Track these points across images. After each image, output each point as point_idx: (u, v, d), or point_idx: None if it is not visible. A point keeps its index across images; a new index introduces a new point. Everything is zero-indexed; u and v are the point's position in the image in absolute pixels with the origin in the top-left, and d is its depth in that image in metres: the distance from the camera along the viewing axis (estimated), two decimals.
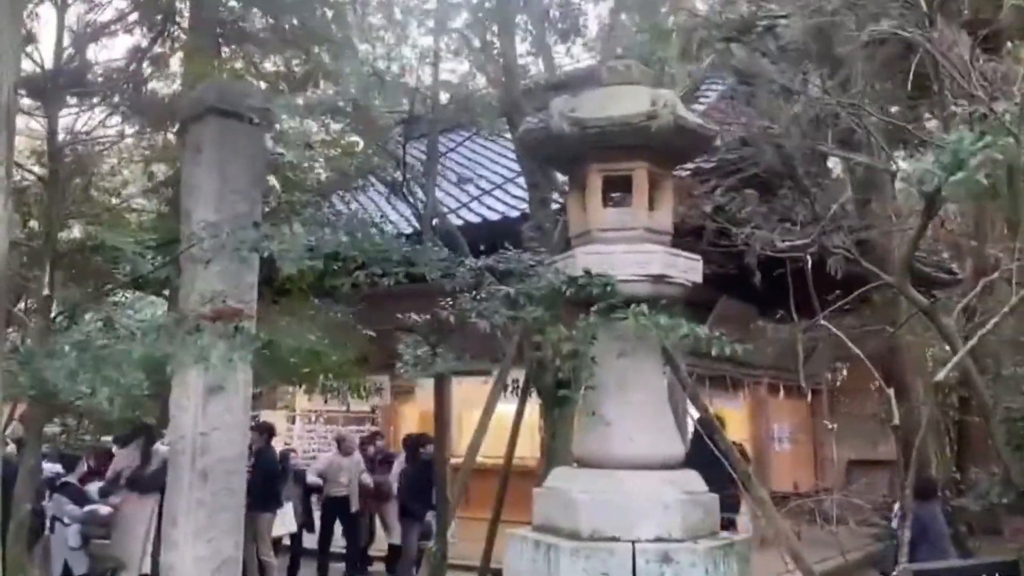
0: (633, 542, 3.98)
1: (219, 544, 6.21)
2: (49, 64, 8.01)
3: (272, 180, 9.37)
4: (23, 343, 6.44)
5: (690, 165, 8.41)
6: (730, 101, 8.57)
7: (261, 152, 6.76)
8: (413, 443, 9.79)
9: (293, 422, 16.99)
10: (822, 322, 6.13)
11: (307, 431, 17.39)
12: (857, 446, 14.71)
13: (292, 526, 9.33)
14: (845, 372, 14.71)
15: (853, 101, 5.80)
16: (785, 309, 7.53)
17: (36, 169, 9.32)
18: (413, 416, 16.07)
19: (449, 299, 6.36)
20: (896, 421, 5.21)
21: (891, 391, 5.25)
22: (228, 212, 6.27)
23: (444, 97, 7.02)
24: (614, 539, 4.01)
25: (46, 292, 6.45)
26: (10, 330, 4.51)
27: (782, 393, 13.74)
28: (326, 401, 13.71)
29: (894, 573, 4.91)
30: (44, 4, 8.27)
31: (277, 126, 6.46)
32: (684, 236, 4.86)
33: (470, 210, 10.55)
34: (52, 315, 6.78)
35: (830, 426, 13.97)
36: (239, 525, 6.46)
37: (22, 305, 9.02)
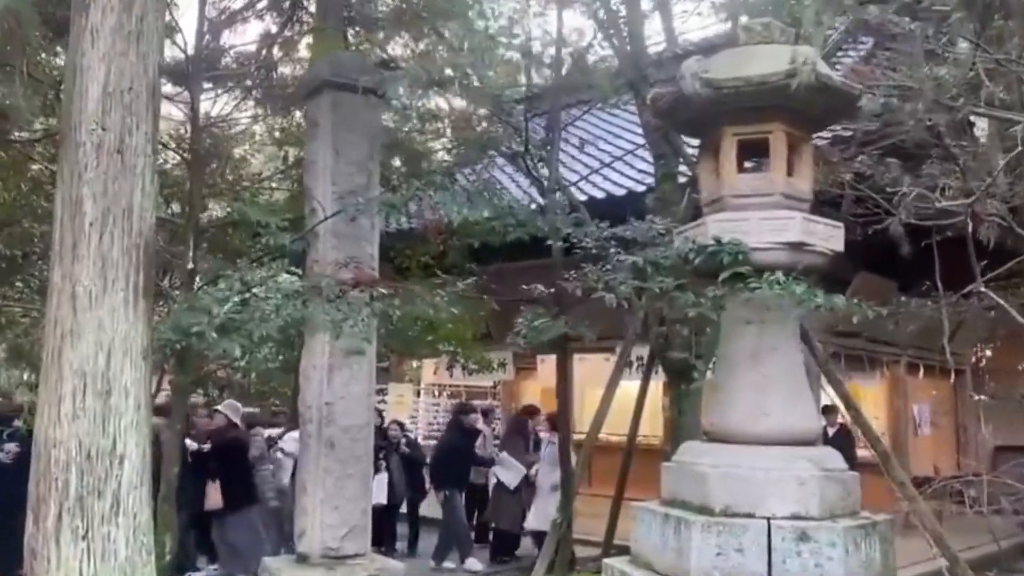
0: (768, 519, 3.85)
1: (346, 511, 6.38)
2: (191, 50, 8.38)
3: (395, 158, 9.58)
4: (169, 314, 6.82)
5: (827, 132, 8.03)
6: (869, 64, 8.11)
7: (377, 125, 6.84)
8: (456, 411, 9.73)
9: (418, 395, 17.44)
10: (980, 292, 5.70)
11: (432, 404, 17.82)
12: (1005, 430, 13.80)
13: (379, 497, 9.20)
14: (992, 351, 13.81)
15: (1011, 57, 5.36)
16: (927, 284, 7.09)
17: (177, 152, 9.82)
18: (534, 391, 16.15)
19: (573, 272, 6.33)
20: None
21: None
22: (345, 184, 6.39)
23: (567, 68, 6.94)
24: (748, 515, 3.88)
25: (190, 266, 6.77)
26: (156, 304, 4.79)
27: (922, 372, 13.03)
28: (452, 375, 14.00)
29: None
30: None
31: (398, 102, 6.53)
32: (821, 206, 4.60)
33: (593, 184, 10.43)
34: (195, 288, 7.13)
35: (977, 408, 13.17)
36: (366, 493, 6.63)
37: (168, 280, 9.56)
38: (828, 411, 9.31)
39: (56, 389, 3.88)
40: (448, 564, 9.36)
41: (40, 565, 3.71)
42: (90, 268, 3.94)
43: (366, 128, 6.62)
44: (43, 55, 8.22)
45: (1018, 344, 11.83)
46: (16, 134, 7.86)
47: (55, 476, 3.77)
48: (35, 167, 9.28)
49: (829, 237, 4.21)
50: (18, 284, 9.46)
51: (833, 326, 9.50)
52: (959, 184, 6.48)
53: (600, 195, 10.51)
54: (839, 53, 9.81)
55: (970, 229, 5.88)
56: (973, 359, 14.07)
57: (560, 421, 7.84)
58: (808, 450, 4.13)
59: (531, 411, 10.63)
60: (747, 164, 4.38)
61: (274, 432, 10.07)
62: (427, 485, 10.47)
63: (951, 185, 6.46)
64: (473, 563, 9.27)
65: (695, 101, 4.20)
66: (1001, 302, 5.45)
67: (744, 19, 4.60)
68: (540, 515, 8.99)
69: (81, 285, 3.92)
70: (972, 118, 7.76)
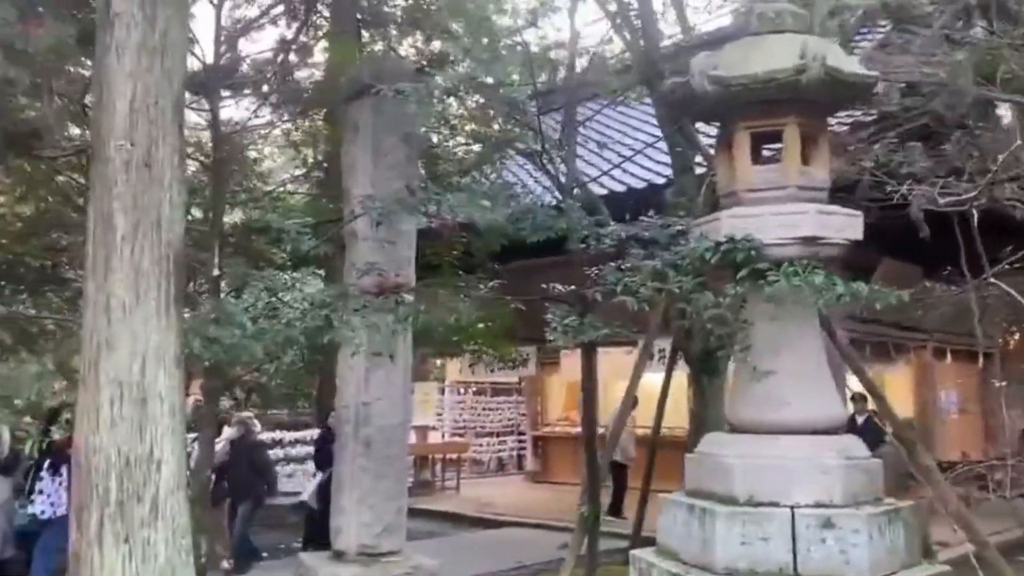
0: (792, 507, 3.89)
1: (381, 510, 6.50)
2: (209, 59, 8.50)
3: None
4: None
5: (848, 119, 7.99)
6: (887, 49, 8.08)
7: (414, 128, 6.94)
8: None
9: (443, 393, 17.53)
10: (995, 280, 5.69)
11: (457, 402, 17.92)
12: None
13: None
14: (1021, 334, 13.67)
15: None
16: (954, 268, 7.07)
17: (197, 159, 9.95)
18: (559, 386, 16.21)
19: (594, 269, 6.37)
20: None
21: None
22: (384, 188, 6.48)
23: (581, 64, 6.99)
24: (772, 504, 3.93)
25: (215, 272, 6.89)
26: (185, 310, 4.88)
27: (949, 358, 12.95)
28: (473, 372, 14.10)
29: None
30: (201, 2, 8.76)
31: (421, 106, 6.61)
32: (838, 192, 4.61)
33: (613, 179, 10.47)
34: (222, 295, 7.25)
35: (1004, 392, 13.05)
36: (401, 492, 6.74)
37: (195, 286, 9.69)
38: (857, 400, 9.29)
39: (94, 398, 4.00)
40: None
41: (84, 569, 3.82)
42: (123, 280, 4.05)
43: (404, 131, 6.71)
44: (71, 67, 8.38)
45: None
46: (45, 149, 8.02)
47: (96, 482, 3.89)
48: (62, 179, 9.46)
49: (846, 227, 4.22)
50: (49, 295, 9.64)
51: (857, 314, 9.48)
52: (980, 167, 6.45)
53: (621, 189, 10.55)
54: (857, 37, 9.79)
55: (988, 215, 5.86)
56: (1001, 343, 13.96)
57: (585, 416, 7.90)
58: (831, 439, 4.16)
59: None
60: (764, 154, 4.41)
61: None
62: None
63: (972, 169, 6.43)
64: None
65: (705, 98, 4.24)
66: (1010, 291, 5.43)
67: (759, 5, 4.55)
68: None
69: (115, 297, 4.03)
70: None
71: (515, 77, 6.61)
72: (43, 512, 7.39)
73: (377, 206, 5.41)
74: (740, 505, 3.98)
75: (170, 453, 4.04)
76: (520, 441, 17.93)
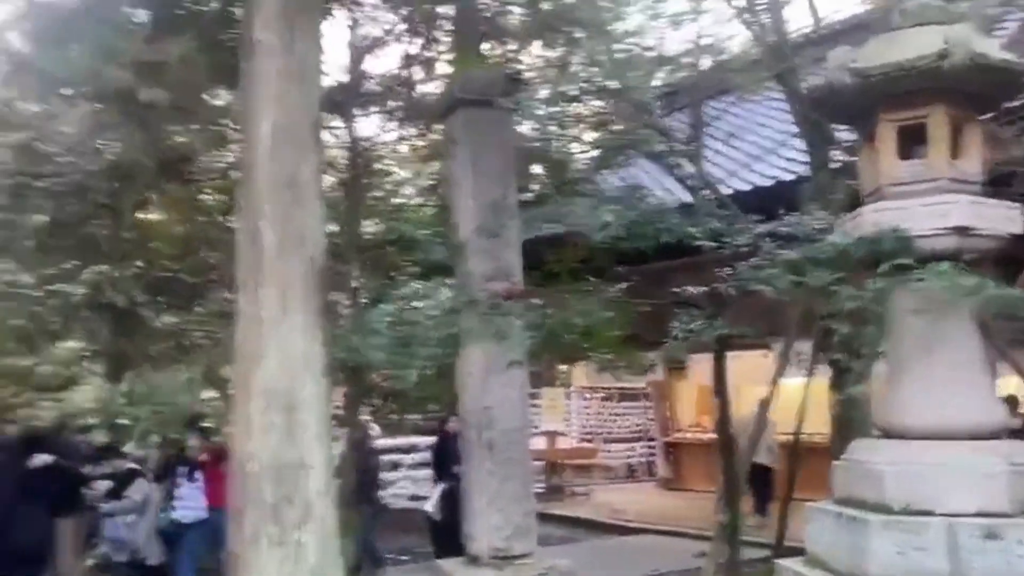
0: (951, 516, 3.70)
1: (509, 512, 6.56)
2: (342, 79, 8.81)
3: (537, 167, 9.73)
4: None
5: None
6: None
7: (510, 137, 7.00)
8: None
9: (569, 398, 17.53)
10: None
11: (583, 407, 17.89)
12: None
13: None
14: None
15: None
16: None
17: (332, 175, 10.33)
18: (689, 391, 15.94)
19: (725, 269, 6.23)
20: None
21: None
22: (483, 199, 6.57)
23: (707, 61, 6.87)
24: (928, 512, 3.75)
25: (353, 284, 7.13)
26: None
27: None
28: (599, 377, 14.05)
29: None
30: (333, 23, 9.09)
31: (535, 115, 6.65)
32: (988, 186, 4.37)
33: (740, 179, 10.22)
34: (361, 304, 7.50)
35: None
36: (527, 494, 6.79)
37: (335, 298, 10.06)
38: (1010, 402, 8.75)
39: (246, 406, 4.21)
40: None
41: (242, 569, 4.03)
42: (271, 294, 4.26)
43: (500, 142, 6.79)
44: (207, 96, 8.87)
45: None
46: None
47: (250, 487, 4.10)
48: (208, 199, 10.01)
49: (1003, 219, 3.99)
50: (198, 309, 10.21)
51: (1013, 311, 8.90)
52: None
53: (746, 187, 10.27)
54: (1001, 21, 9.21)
55: None
56: None
57: (720, 422, 7.74)
58: (993, 444, 3.93)
59: None
60: (911, 148, 4.22)
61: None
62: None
63: None
64: None
65: (845, 91, 4.12)
66: None
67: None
68: None
69: (264, 310, 4.24)
70: None
71: (640, 80, 6.57)
72: (184, 516, 7.84)
73: (493, 218, 5.49)
74: (894, 513, 3.81)
75: (318, 459, 4.22)
76: (649, 447, 17.73)
